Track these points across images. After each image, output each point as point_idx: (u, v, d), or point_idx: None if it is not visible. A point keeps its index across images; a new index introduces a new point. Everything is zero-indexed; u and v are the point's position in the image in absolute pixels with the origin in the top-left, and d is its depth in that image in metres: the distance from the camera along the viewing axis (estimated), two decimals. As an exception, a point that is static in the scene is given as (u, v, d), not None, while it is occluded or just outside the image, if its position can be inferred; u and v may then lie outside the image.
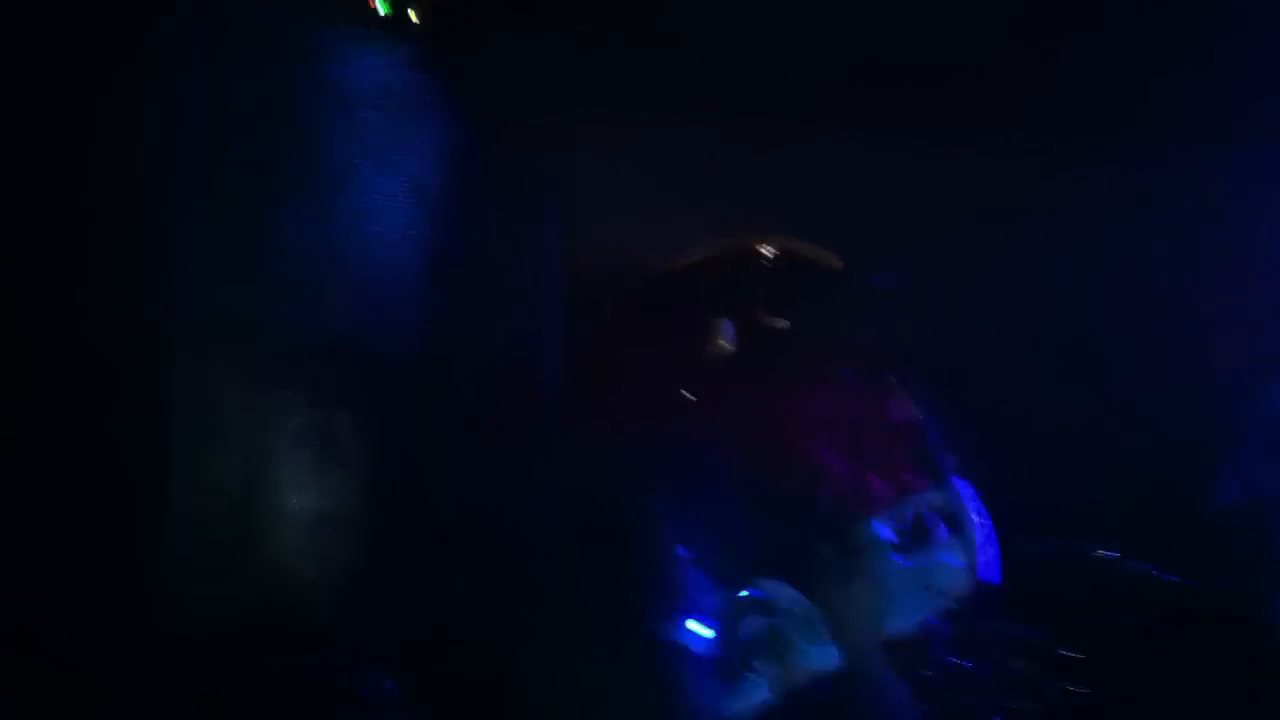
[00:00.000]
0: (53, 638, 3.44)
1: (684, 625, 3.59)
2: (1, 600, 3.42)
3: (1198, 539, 4.05)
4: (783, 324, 3.62)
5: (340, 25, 3.92)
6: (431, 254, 4.04)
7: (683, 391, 3.64)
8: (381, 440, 3.93)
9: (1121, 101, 4.35)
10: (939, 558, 3.45)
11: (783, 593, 3.49)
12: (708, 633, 3.58)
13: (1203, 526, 4.08)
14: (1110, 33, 4.27)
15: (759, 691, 3.55)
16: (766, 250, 3.74)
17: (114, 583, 3.51)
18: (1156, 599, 3.94)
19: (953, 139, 4.38)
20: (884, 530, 3.42)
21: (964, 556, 3.46)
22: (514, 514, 4.13)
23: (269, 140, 3.81)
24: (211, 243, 3.70)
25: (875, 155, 4.35)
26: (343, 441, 3.88)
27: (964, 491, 3.49)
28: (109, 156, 3.57)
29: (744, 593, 3.53)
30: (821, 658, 3.47)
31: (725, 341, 3.61)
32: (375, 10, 3.92)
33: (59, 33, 3.56)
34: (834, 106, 4.33)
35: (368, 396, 3.93)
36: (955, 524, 3.45)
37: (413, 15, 3.94)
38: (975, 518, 3.49)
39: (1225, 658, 3.85)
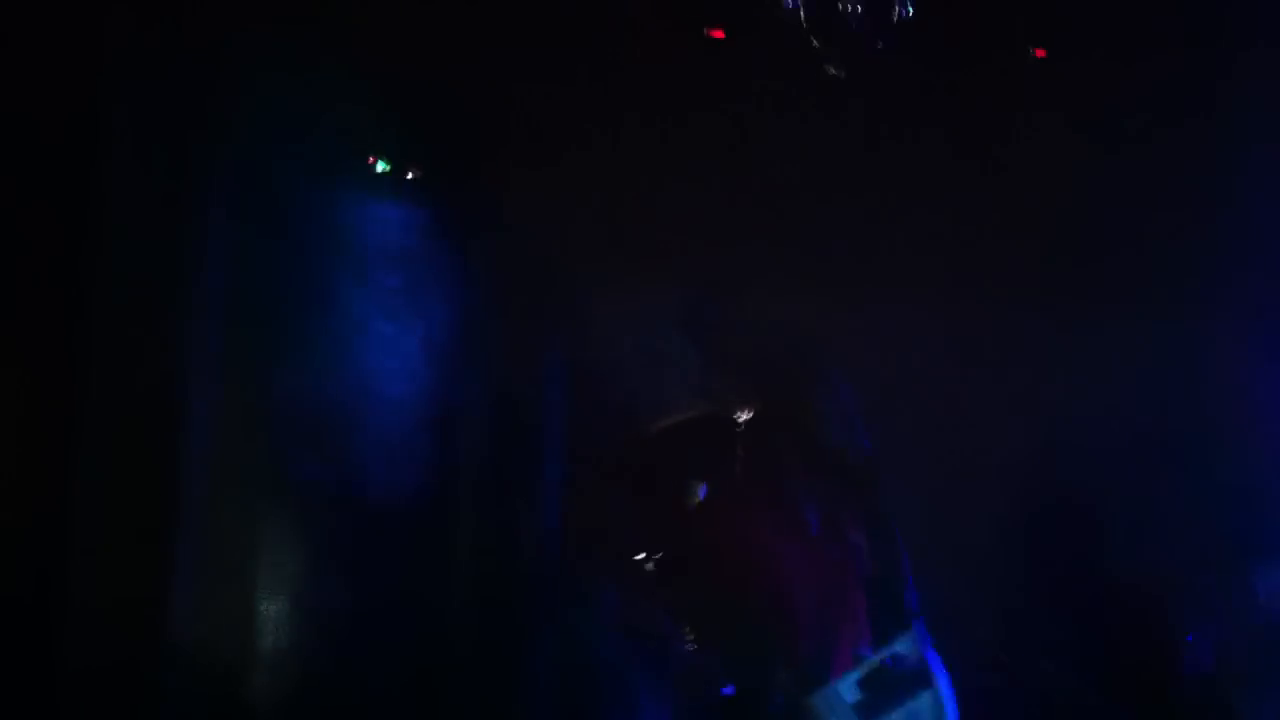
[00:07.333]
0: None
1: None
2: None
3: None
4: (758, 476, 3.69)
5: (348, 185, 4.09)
6: (440, 406, 4.22)
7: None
8: (383, 593, 4.09)
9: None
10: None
11: None
12: None
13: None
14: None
15: None
16: (742, 411, 3.83)
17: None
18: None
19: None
20: (848, 692, 3.46)
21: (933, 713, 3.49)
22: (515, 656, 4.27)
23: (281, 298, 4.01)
24: (224, 396, 3.90)
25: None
26: (346, 589, 4.04)
27: (927, 642, 3.50)
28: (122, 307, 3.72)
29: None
30: None
31: (700, 495, 3.70)
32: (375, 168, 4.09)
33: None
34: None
35: (376, 544, 4.10)
36: (922, 678, 3.46)
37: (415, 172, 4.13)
38: (939, 672, 3.50)
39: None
